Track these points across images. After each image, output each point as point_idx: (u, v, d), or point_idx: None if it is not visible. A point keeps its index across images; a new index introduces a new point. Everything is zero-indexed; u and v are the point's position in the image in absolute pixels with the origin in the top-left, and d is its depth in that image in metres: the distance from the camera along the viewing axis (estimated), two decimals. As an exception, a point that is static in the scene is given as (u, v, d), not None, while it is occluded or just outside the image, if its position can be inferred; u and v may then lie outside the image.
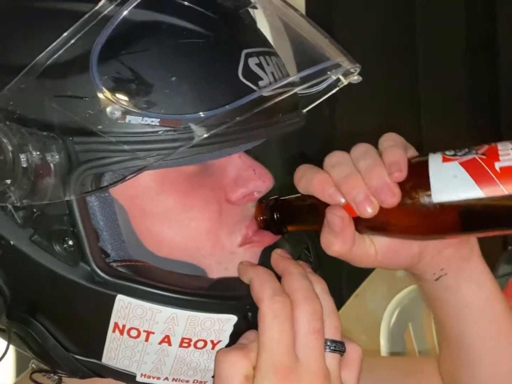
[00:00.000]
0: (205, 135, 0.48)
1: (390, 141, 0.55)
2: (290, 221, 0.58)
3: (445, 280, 0.60)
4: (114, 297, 0.51)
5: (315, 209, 0.55)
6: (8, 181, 0.49)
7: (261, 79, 0.52)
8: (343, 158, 0.55)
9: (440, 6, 1.98)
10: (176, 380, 0.55)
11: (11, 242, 0.52)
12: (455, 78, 1.98)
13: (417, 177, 0.52)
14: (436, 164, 0.51)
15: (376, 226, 0.54)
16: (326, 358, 0.51)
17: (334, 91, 0.60)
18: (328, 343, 0.52)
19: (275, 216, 0.58)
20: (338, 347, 0.52)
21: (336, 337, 0.52)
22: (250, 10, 0.58)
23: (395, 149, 0.53)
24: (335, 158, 0.55)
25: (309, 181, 0.55)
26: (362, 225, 0.54)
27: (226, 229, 0.56)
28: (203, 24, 0.52)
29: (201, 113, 0.49)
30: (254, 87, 0.51)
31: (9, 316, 0.54)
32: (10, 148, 0.49)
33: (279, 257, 0.56)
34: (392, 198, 0.51)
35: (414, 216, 0.52)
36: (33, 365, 0.62)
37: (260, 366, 0.50)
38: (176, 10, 0.52)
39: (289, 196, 0.58)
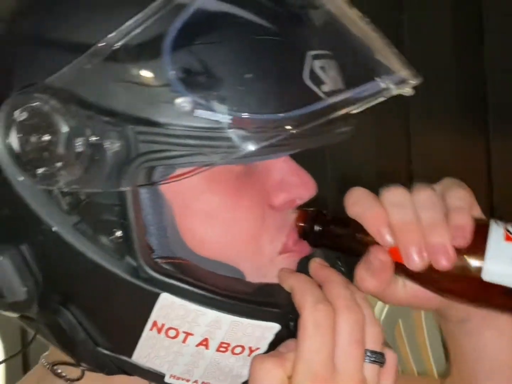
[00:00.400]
0: (280, 137, 0.46)
1: (460, 200, 0.53)
2: (330, 239, 0.56)
3: (468, 324, 0.60)
4: (157, 295, 0.49)
5: (359, 238, 0.54)
6: (59, 164, 0.46)
7: (324, 83, 0.50)
8: (405, 200, 0.52)
9: (427, 5, 1.98)
10: None
11: (53, 228, 0.49)
12: (443, 78, 1.98)
13: (474, 246, 0.51)
14: (496, 239, 0.51)
15: (416, 277, 0.53)
16: (365, 369, 0.50)
17: (380, 99, 0.58)
18: (368, 354, 0.50)
19: (315, 229, 0.56)
20: (378, 358, 0.51)
21: (376, 348, 0.51)
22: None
23: (464, 213, 0.52)
24: (397, 197, 0.53)
25: (364, 211, 0.53)
26: (402, 270, 0.53)
27: (267, 235, 0.54)
28: (275, 21, 0.50)
29: (278, 114, 0.47)
30: (321, 94, 0.49)
31: (40, 305, 0.51)
32: (66, 130, 0.46)
33: (318, 266, 0.55)
34: (446, 262, 0.50)
35: (458, 283, 0.52)
36: (42, 360, 0.60)
37: (297, 375, 0.49)
38: (250, 3, 0.49)
39: (335, 214, 0.56)
